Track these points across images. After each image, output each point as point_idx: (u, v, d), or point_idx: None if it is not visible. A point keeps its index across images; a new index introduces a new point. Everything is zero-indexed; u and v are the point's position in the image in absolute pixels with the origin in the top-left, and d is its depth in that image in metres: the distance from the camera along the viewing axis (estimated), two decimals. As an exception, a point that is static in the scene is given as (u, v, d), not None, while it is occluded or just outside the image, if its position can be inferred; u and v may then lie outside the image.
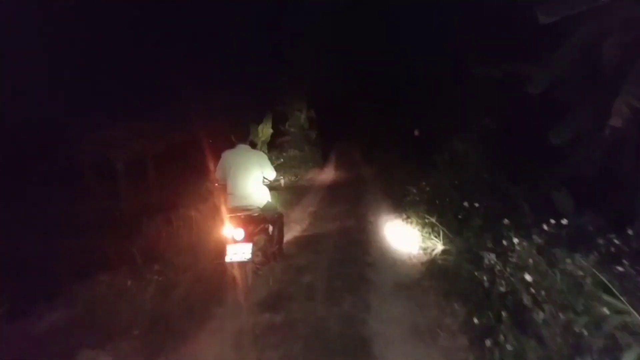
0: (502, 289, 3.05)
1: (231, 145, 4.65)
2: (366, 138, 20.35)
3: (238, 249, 4.05)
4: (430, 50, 12.05)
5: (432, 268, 4.68)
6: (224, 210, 4.43)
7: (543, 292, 2.81)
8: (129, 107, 13.15)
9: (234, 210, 4.31)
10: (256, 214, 4.36)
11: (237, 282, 4.13)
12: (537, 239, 3.22)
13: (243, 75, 16.34)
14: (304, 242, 6.35)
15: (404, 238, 5.96)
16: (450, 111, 10.65)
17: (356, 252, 5.68)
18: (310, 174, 16.58)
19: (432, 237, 5.18)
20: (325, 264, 5.34)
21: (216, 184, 4.71)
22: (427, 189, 6.65)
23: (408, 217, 6.45)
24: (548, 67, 5.50)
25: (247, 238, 4.13)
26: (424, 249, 5.27)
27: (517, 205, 4.67)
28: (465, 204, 4.48)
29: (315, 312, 4.00)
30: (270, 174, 4.63)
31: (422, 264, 5.00)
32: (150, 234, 6.25)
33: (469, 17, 9.54)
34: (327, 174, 16.72)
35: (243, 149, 4.52)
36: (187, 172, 12.48)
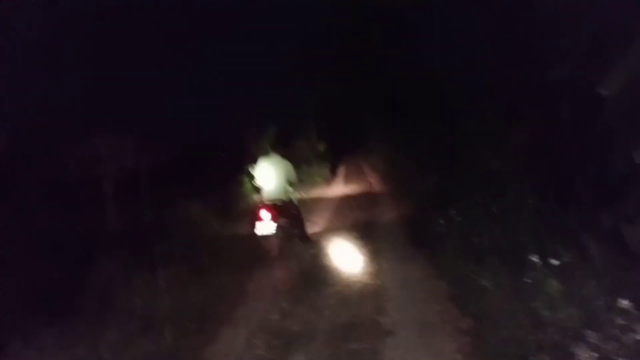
0: None
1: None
2: (380, 150, 18.79)
3: (265, 226, 5.38)
4: (454, 51, 10.63)
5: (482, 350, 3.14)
6: (258, 201, 5.82)
7: None
8: (121, 116, 11.83)
9: (265, 201, 5.62)
10: (280, 204, 5.60)
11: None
12: None
13: (246, 85, 14.99)
14: (299, 291, 4.84)
15: (434, 295, 4.38)
16: (477, 121, 9.12)
17: (368, 310, 4.14)
18: (317, 190, 15.09)
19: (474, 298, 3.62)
20: (327, 329, 3.82)
21: (253, 183, 6.00)
22: (458, 219, 5.10)
23: (437, 264, 4.88)
24: (625, 65, 4.06)
25: (272, 219, 5.40)
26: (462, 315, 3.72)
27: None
28: (535, 258, 2.93)
29: None
30: (293, 177, 5.87)
31: (464, 335, 3.45)
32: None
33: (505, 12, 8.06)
34: (335, 190, 15.19)
35: (275, 158, 5.82)
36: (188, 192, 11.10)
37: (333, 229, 8.32)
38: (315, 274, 5.39)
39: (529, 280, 3.01)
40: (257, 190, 5.87)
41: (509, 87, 8.77)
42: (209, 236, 6.85)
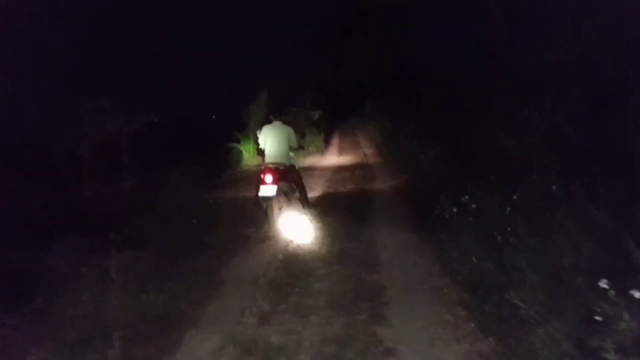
0: None
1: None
2: (378, 120, 17.84)
3: (267, 188, 5.54)
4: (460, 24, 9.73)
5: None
6: (261, 164, 5.98)
7: None
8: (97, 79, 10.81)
9: (268, 164, 5.76)
10: (282, 167, 5.75)
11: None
12: None
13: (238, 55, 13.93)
14: (283, 286, 4.09)
15: (444, 300, 3.62)
16: (487, 100, 8.32)
17: (364, 316, 3.40)
18: (310, 159, 14.25)
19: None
20: (313, 342, 3.08)
21: (258, 147, 6.15)
22: (473, 205, 4.30)
23: (447, 258, 4.10)
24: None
25: (274, 182, 5.56)
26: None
27: None
28: (604, 285, 2.15)
29: None
30: (295, 142, 6.19)
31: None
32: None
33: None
34: (329, 161, 14.36)
35: (277, 124, 6.05)
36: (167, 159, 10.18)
37: (325, 205, 7.53)
38: (303, 263, 4.64)
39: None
40: (260, 153, 6.07)
41: (522, 62, 7.94)
42: (186, 210, 6.01)
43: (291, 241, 5.28)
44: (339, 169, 12.16)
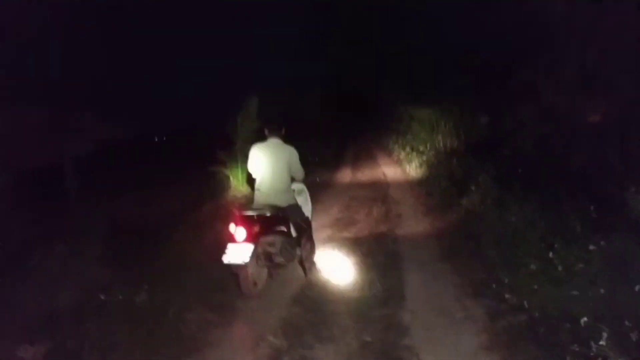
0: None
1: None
2: (397, 132, 15.11)
3: (237, 250, 3.66)
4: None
5: None
6: (236, 207, 4.25)
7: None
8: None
9: (249, 209, 4.02)
10: (269, 214, 3.94)
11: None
12: None
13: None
14: None
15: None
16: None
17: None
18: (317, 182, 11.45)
19: None
20: None
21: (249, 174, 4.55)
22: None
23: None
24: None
25: (250, 239, 3.71)
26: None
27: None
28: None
29: None
30: (299, 174, 4.28)
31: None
32: None
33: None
34: (340, 182, 11.56)
35: (274, 143, 4.19)
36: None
37: (333, 245, 5.32)
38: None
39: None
40: (251, 182, 4.52)
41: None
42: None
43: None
44: (353, 193, 9.32)
